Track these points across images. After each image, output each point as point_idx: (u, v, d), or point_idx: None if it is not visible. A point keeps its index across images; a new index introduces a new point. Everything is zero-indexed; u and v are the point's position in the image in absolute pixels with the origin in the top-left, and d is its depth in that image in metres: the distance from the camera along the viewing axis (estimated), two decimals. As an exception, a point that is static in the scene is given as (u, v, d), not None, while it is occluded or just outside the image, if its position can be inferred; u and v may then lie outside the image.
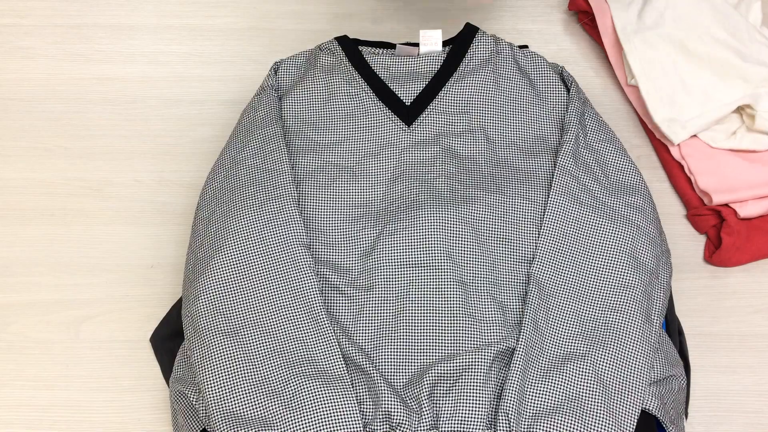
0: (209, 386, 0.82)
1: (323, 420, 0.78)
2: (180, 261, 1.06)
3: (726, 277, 1.06)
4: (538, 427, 0.78)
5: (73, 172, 1.13)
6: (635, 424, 0.80)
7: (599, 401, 0.80)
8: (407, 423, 0.80)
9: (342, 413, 0.79)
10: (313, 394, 0.80)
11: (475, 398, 0.81)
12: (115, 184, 1.13)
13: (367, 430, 0.80)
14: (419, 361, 0.85)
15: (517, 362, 0.82)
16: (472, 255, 0.91)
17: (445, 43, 1.06)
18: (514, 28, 1.27)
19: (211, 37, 1.26)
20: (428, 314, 0.87)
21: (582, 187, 0.95)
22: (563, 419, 0.79)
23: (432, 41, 1.05)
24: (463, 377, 0.82)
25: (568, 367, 0.82)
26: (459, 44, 1.05)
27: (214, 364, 0.83)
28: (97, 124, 1.18)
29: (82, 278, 1.05)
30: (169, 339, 0.95)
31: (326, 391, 0.80)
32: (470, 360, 0.83)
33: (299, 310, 0.85)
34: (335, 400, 0.79)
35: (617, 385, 0.82)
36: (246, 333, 0.84)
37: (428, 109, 1.02)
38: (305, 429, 0.78)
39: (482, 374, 0.82)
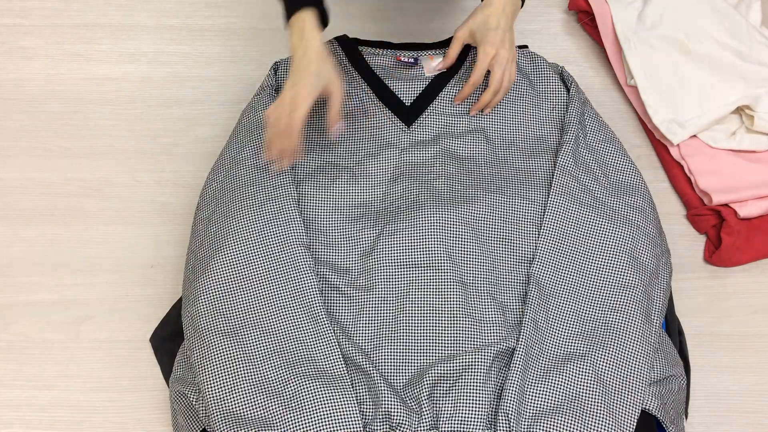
0: (209, 386, 0.82)
1: (323, 420, 0.78)
2: (180, 261, 1.06)
3: (726, 277, 1.06)
4: (538, 427, 0.78)
5: (73, 172, 1.13)
6: (635, 424, 0.80)
7: (599, 401, 0.80)
8: (407, 423, 0.79)
9: (342, 413, 0.79)
10: (313, 394, 0.80)
11: (475, 398, 0.81)
12: (115, 184, 1.13)
13: (367, 430, 0.80)
14: (419, 361, 0.85)
15: (517, 362, 0.82)
16: (472, 255, 0.91)
17: (445, 43, 1.06)
18: (514, 27, 1.27)
19: (211, 37, 1.26)
20: (428, 314, 0.87)
21: (582, 187, 0.95)
22: (563, 419, 0.79)
23: (433, 65, 1.05)
24: (463, 377, 0.82)
25: (568, 367, 0.82)
26: (459, 44, 1.05)
27: (214, 364, 0.83)
28: (97, 124, 1.18)
29: (82, 278, 1.05)
30: (169, 339, 0.95)
31: (326, 391, 0.80)
32: (470, 360, 0.83)
33: (299, 310, 0.85)
34: (335, 400, 0.79)
35: (617, 385, 0.82)
36: (246, 333, 0.84)
37: (428, 110, 1.02)
38: (305, 429, 0.78)
39: (482, 374, 0.82)
